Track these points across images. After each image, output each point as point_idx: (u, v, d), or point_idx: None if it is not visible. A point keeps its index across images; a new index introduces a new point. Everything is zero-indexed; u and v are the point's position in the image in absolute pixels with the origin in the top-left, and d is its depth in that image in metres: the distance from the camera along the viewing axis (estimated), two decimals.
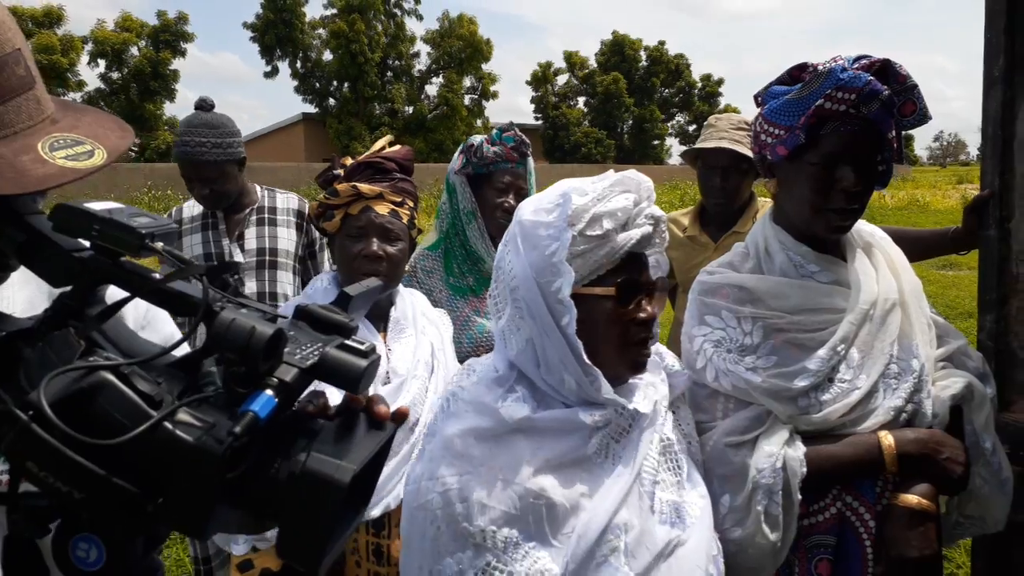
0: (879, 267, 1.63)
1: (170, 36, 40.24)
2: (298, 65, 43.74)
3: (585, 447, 1.22)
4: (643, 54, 55.38)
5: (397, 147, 1.99)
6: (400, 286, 2.01)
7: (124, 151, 0.89)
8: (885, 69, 1.48)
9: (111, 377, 0.73)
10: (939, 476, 1.49)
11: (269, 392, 0.71)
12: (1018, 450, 1.88)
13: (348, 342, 0.78)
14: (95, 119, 0.90)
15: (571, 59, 55.27)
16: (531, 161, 2.48)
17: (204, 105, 2.86)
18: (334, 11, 42.58)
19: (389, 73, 44.62)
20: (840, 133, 1.47)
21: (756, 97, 1.63)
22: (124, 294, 0.80)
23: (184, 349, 0.80)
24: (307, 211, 2.98)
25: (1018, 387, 1.93)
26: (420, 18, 46.37)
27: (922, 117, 1.54)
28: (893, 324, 1.56)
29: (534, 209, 1.26)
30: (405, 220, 1.91)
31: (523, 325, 1.23)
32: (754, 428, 1.49)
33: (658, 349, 1.46)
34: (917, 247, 2.18)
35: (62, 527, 0.77)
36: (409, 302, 2.00)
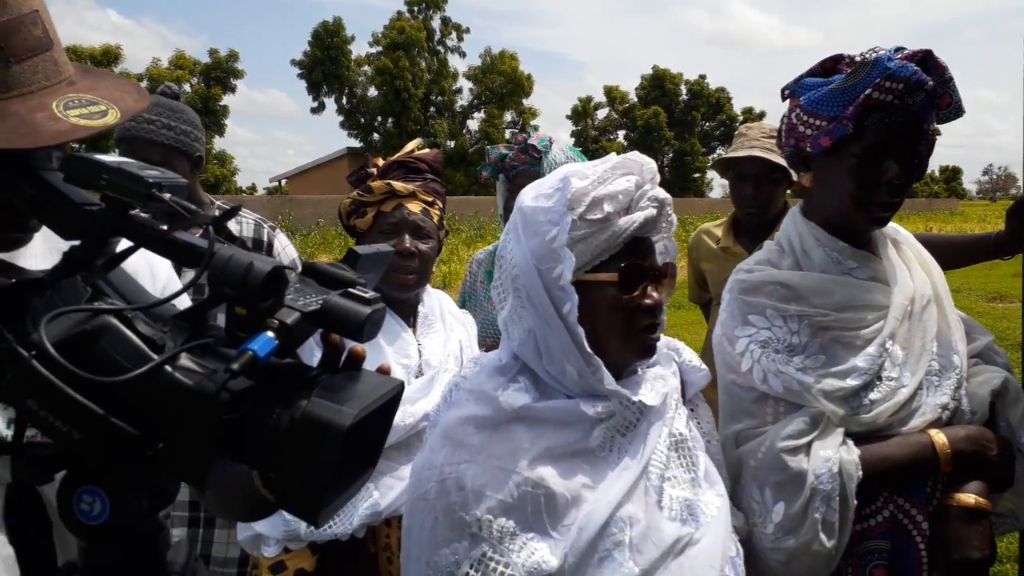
0: (910, 264, 1.58)
1: (221, 73, 41.63)
2: (344, 101, 44.80)
3: (587, 439, 1.18)
4: (683, 88, 55.59)
5: (427, 150, 2.01)
6: (428, 286, 2.01)
7: (139, 112, 0.90)
8: (925, 60, 1.44)
9: (114, 321, 0.73)
10: (989, 473, 1.43)
11: (269, 334, 0.71)
12: None
13: (352, 290, 0.77)
14: (113, 83, 0.92)
15: (611, 93, 55.68)
16: (551, 161, 2.41)
17: (168, 91, 2.42)
18: (379, 48, 43.63)
19: (432, 108, 45.46)
20: (885, 124, 1.43)
21: (784, 90, 1.60)
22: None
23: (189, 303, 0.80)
24: (266, 238, 2.57)
25: None
26: (463, 55, 47.26)
27: (957, 110, 1.50)
28: (931, 320, 1.52)
29: (534, 195, 1.22)
30: (435, 220, 1.93)
31: (524, 315, 1.20)
32: (809, 431, 1.43)
33: (674, 344, 1.41)
34: (957, 253, 2.10)
35: (67, 479, 0.77)
36: (437, 300, 2.01)
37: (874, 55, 1.44)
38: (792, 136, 1.55)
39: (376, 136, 44.20)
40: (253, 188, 61.21)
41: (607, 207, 1.17)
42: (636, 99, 55.35)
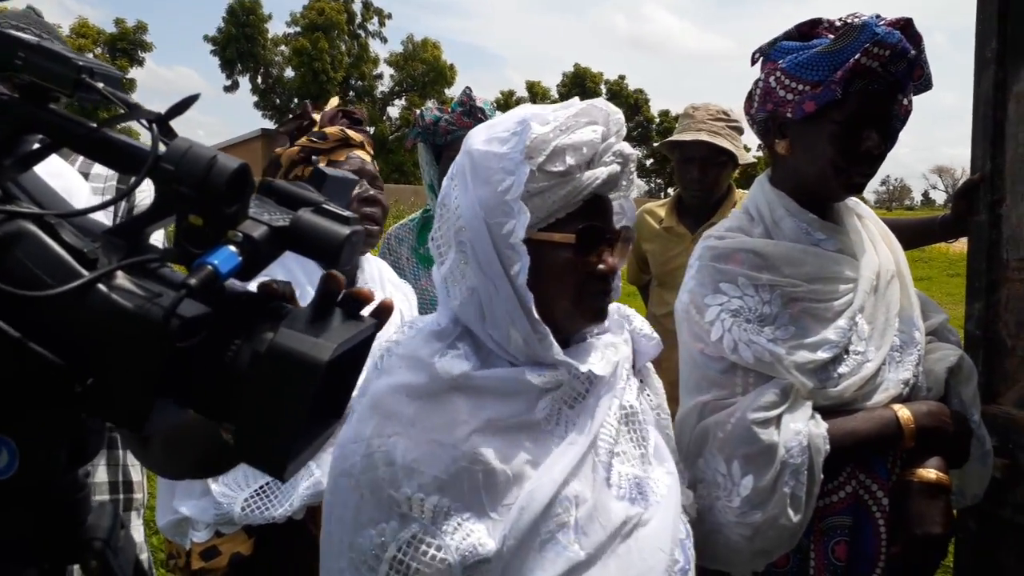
0: (874, 238, 1.57)
1: (128, 45, 39.65)
2: (259, 81, 43.45)
3: (532, 411, 1.07)
4: (604, 87, 56.30)
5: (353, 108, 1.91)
6: (368, 253, 1.89)
7: None
8: (907, 29, 1.40)
9: (32, 227, 0.60)
10: (947, 449, 1.42)
11: (232, 248, 0.58)
12: (1006, 442, 1.82)
13: (326, 206, 0.65)
14: None
15: (533, 88, 55.93)
16: None
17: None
18: (297, 29, 42.48)
19: (351, 93, 44.59)
20: (869, 92, 1.38)
21: (756, 54, 1.54)
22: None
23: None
24: None
25: (1007, 377, 1.87)
26: (384, 40, 46.47)
27: (927, 83, 1.48)
28: (894, 295, 1.50)
29: (487, 138, 1.08)
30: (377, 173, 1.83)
31: (467, 271, 1.07)
32: (781, 403, 1.38)
33: (625, 311, 1.32)
34: (903, 237, 2.12)
35: None
36: (376, 268, 1.89)
37: (860, 19, 1.40)
38: (770, 101, 1.47)
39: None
40: None
41: (569, 159, 1.05)
42: (557, 96, 55.75)
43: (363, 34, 45.48)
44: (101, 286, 0.58)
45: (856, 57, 1.35)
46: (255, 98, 43.95)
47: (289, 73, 43.28)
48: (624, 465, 1.15)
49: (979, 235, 1.90)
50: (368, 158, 1.79)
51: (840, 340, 1.40)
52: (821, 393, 1.40)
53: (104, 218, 0.69)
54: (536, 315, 1.05)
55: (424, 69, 44.13)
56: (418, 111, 2.41)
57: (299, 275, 1.62)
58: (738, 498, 1.34)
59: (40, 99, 0.65)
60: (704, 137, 2.62)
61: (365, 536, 0.99)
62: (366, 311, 0.69)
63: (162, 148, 0.61)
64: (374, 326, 0.70)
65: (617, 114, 1.13)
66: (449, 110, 2.38)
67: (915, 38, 1.40)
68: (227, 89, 43.68)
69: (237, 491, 1.53)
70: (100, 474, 1.76)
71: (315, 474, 1.54)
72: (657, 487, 1.16)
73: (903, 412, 1.40)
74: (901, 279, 1.54)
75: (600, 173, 1.08)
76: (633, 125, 57.65)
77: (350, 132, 1.75)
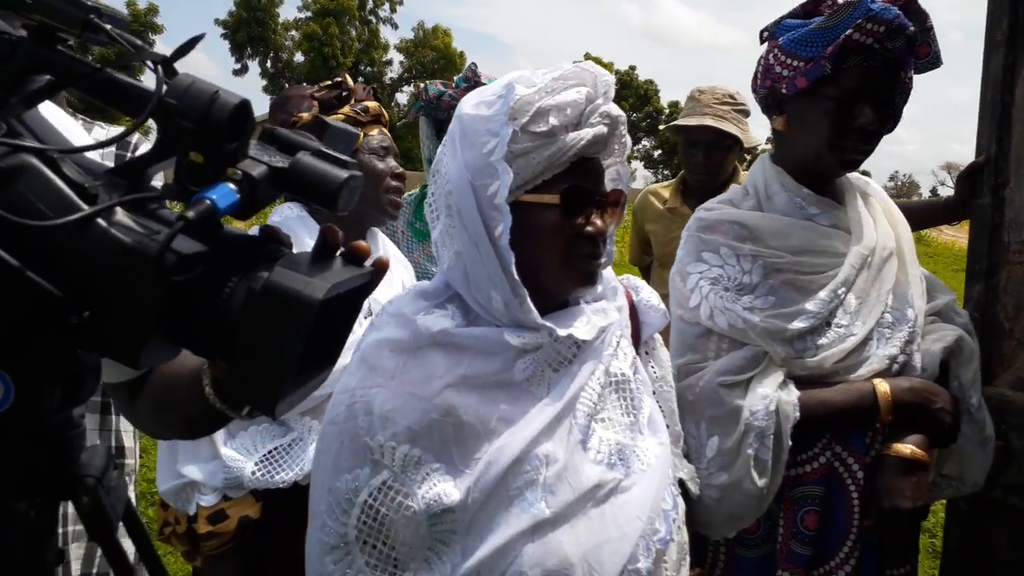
0: (876, 215, 1.57)
1: (138, 27, 39.61)
2: (268, 65, 43.47)
3: (510, 371, 1.09)
4: (614, 78, 56.05)
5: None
6: (375, 229, 1.91)
7: None
8: (908, 6, 1.41)
9: (35, 161, 0.61)
10: (931, 427, 1.44)
11: (231, 185, 0.60)
12: (999, 423, 1.82)
13: (325, 151, 0.66)
14: None
15: None
16: None
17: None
18: (308, 14, 42.44)
19: (360, 79, 44.51)
20: (863, 68, 1.39)
21: (763, 32, 1.55)
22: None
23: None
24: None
25: (1004, 359, 1.87)
26: (395, 27, 46.56)
27: (935, 61, 1.48)
28: (889, 273, 1.51)
29: (476, 103, 1.10)
30: None
31: (455, 235, 1.09)
32: (749, 369, 1.42)
33: (635, 282, 1.33)
34: (908, 219, 2.12)
35: None
36: (381, 242, 1.92)
37: None
38: (768, 77, 1.50)
39: None
40: None
41: (552, 120, 1.06)
42: None
43: (374, 20, 45.47)
44: (100, 221, 0.59)
45: (848, 33, 1.35)
46: (264, 82, 43.98)
47: (299, 58, 43.31)
48: (608, 431, 1.15)
49: (982, 218, 1.90)
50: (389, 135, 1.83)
51: (819, 311, 1.42)
52: (798, 363, 1.43)
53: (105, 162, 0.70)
54: (516, 277, 1.06)
55: (434, 56, 44.08)
56: (422, 85, 2.41)
57: (306, 239, 1.64)
58: (705, 459, 1.38)
59: (48, 39, 0.66)
60: (709, 122, 2.63)
61: (342, 481, 1.04)
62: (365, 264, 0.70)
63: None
64: (370, 274, 0.71)
65: (605, 76, 1.13)
66: (453, 85, 2.38)
67: (918, 15, 1.40)
68: (236, 73, 43.81)
69: (247, 455, 1.54)
70: (93, 440, 1.77)
71: None
72: (644, 456, 1.17)
73: (882, 386, 1.42)
74: (901, 257, 1.54)
75: (585, 134, 1.08)
76: (642, 116, 57.39)
77: (383, 110, 1.79)
